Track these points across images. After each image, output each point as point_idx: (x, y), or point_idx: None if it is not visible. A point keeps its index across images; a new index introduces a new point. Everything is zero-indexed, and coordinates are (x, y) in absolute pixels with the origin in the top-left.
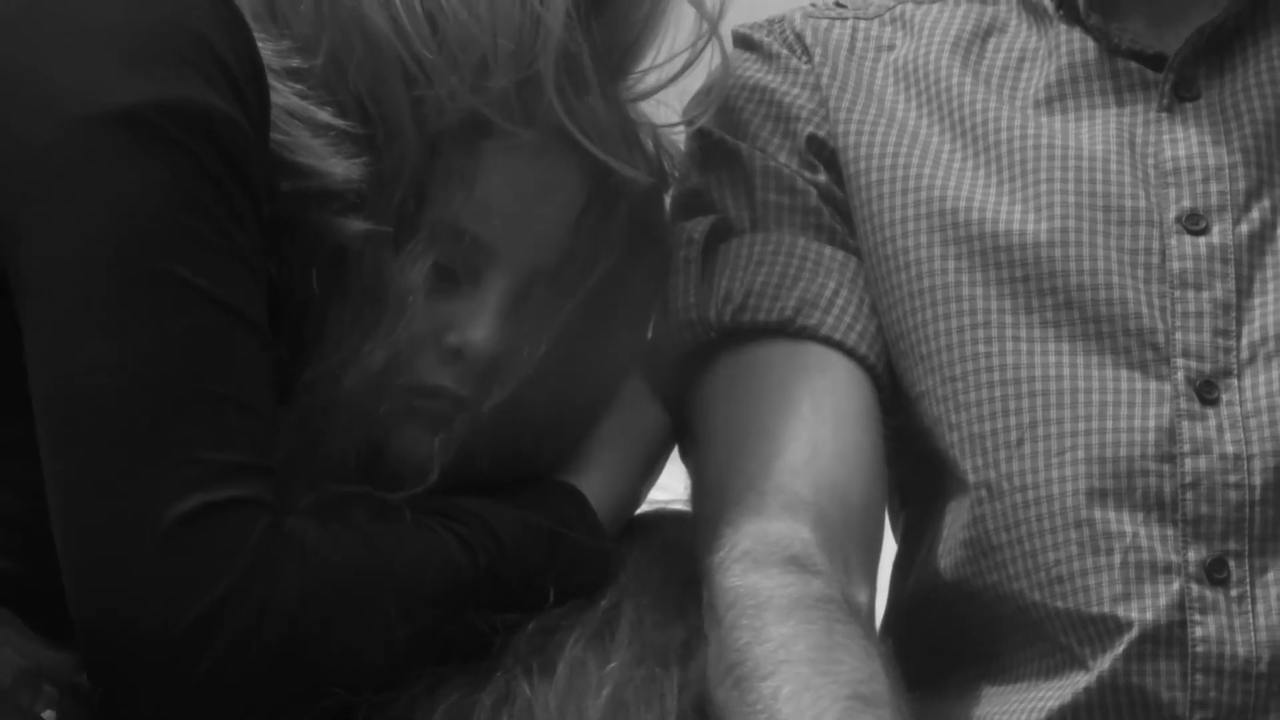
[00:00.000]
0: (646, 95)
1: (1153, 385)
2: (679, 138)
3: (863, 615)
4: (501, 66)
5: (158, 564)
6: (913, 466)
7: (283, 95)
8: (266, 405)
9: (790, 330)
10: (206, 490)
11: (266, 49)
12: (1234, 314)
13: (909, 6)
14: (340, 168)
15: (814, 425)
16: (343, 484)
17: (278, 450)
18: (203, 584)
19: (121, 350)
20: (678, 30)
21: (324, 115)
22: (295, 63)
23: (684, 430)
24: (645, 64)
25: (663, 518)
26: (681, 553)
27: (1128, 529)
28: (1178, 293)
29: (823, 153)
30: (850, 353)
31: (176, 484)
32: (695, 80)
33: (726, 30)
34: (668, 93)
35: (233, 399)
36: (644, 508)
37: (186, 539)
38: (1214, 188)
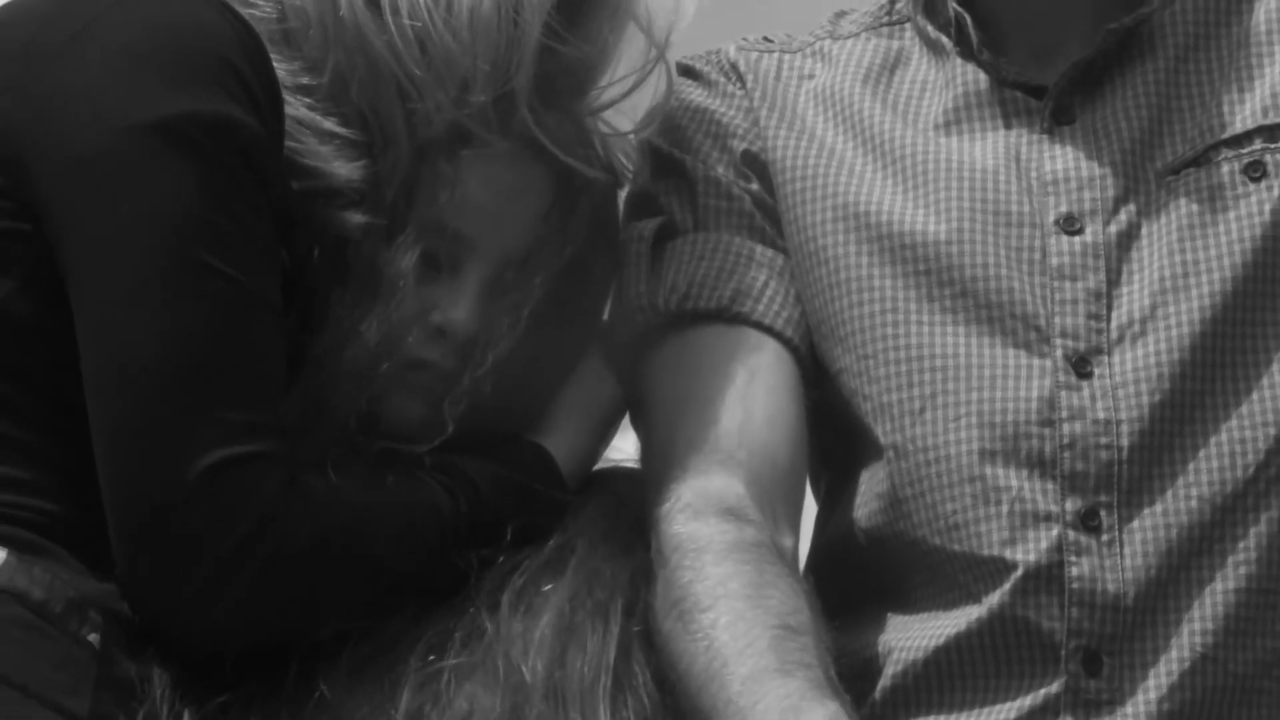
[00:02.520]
0: (603, 108)
1: (1035, 361)
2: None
3: (789, 558)
4: (481, 84)
5: (187, 509)
6: (832, 434)
7: (294, 107)
8: (280, 373)
9: (727, 316)
10: (229, 445)
11: (281, 68)
12: (1104, 301)
13: (827, 42)
14: (343, 170)
15: (746, 397)
16: (344, 442)
17: (290, 413)
18: (226, 527)
19: (158, 325)
20: (630, 54)
21: (329, 124)
22: (305, 80)
23: (634, 400)
24: (603, 82)
25: (616, 474)
26: (631, 503)
27: (1014, 483)
28: (1056, 283)
29: (755, 165)
30: (778, 336)
31: (204, 440)
32: (640, 96)
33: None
34: (616, 105)
35: (252, 368)
36: (600, 465)
37: (212, 488)
38: (1087, 195)
